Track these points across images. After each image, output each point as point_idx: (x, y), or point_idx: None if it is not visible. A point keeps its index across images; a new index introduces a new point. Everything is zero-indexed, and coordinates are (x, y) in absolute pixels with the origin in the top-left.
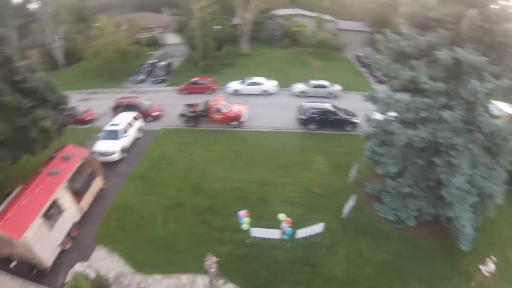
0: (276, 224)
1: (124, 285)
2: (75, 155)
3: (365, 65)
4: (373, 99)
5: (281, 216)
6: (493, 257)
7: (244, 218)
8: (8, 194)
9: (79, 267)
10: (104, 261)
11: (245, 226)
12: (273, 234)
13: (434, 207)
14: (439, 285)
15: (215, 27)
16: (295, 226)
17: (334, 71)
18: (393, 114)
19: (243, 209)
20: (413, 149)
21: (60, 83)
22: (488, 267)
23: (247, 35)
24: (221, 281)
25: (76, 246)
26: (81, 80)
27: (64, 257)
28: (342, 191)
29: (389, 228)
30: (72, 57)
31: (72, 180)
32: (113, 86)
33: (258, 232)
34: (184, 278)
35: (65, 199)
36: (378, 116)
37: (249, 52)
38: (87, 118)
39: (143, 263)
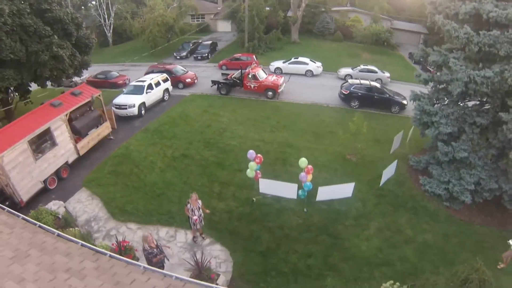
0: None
1: (94, 230)
2: (85, 93)
3: (418, 62)
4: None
5: (303, 161)
6: None
7: (253, 161)
8: None
9: (52, 205)
10: (81, 203)
11: (249, 172)
12: (287, 190)
13: (497, 182)
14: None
15: (266, 8)
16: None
17: (385, 64)
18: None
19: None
20: (473, 106)
21: (105, 58)
22: None
23: (298, 24)
24: (207, 240)
25: (61, 188)
26: (125, 56)
27: (45, 197)
28: (381, 162)
29: (436, 206)
30: (121, 36)
31: (75, 118)
32: (154, 60)
33: (268, 186)
34: (163, 232)
35: (61, 133)
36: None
37: (298, 41)
38: (119, 82)
39: (122, 210)
